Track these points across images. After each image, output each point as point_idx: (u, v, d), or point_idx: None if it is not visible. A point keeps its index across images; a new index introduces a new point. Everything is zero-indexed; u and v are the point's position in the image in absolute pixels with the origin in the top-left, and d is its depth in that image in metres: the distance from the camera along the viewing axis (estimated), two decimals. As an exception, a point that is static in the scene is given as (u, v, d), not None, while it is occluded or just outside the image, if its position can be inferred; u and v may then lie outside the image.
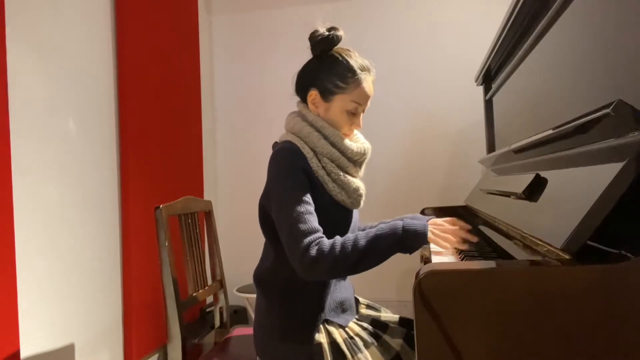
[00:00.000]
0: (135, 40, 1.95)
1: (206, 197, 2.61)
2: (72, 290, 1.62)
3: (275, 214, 1.04)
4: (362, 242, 0.96)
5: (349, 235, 0.99)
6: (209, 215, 1.60)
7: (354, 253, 0.95)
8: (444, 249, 1.05)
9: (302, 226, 0.97)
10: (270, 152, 1.12)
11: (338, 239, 0.98)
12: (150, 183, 2.02)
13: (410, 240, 0.97)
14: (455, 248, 1.14)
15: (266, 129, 2.70)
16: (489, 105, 2.04)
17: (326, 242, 0.97)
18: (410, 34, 2.52)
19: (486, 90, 2.04)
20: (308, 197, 1.02)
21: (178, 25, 2.35)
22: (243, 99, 2.77)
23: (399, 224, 0.99)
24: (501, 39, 1.49)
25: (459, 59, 2.42)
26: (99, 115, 1.79)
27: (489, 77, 1.99)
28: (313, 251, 0.95)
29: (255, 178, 2.83)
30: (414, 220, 1.01)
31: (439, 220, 1.06)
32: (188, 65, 2.46)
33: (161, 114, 2.14)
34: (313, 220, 0.99)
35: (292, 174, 1.03)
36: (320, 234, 0.99)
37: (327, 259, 0.94)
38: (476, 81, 2.10)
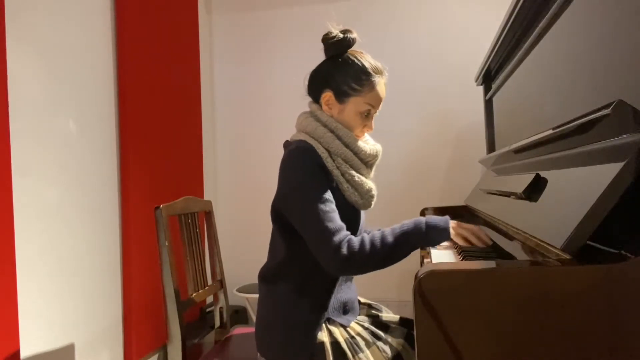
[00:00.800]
0: (135, 40, 1.95)
1: (206, 197, 2.61)
2: (72, 290, 1.62)
3: (298, 214, 1.04)
4: (389, 238, 1.00)
5: (375, 233, 1.02)
6: (209, 215, 1.60)
7: (383, 250, 0.99)
8: (464, 243, 1.08)
9: (330, 225, 0.99)
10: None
11: (365, 236, 1.01)
12: (150, 183, 2.02)
13: (433, 235, 1.01)
14: (455, 247, 1.15)
15: (266, 128, 2.70)
16: (489, 105, 2.04)
17: (355, 240, 0.99)
18: (410, 34, 2.52)
19: (486, 90, 2.04)
20: (330, 195, 1.04)
21: (178, 25, 2.35)
22: (243, 99, 2.77)
23: (422, 220, 1.03)
24: (501, 39, 1.49)
25: (459, 59, 2.42)
26: (99, 115, 1.79)
27: (489, 77, 1.99)
28: (344, 249, 0.97)
29: (255, 178, 2.84)
30: (436, 217, 1.05)
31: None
32: (188, 65, 2.46)
33: (161, 114, 2.14)
34: (338, 218, 1.02)
35: (313, 172, 1.04)
36: (346, 231, 1.01)
37: (359, 256, 0.97)
38: (476, 81, 2.09)
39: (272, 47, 2.69)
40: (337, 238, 0.98)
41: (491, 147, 2.03)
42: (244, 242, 2.66)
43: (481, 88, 2.09)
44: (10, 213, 1.34)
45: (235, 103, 2.78)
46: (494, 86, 1.91)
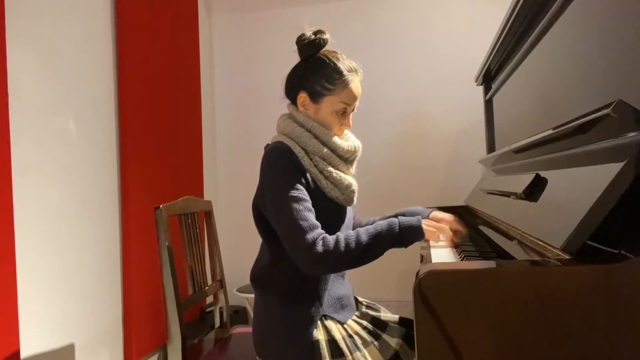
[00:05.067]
0: (135, 40, 1.95)
1: (206, 197, 2.61)
2: (72, 290, 1.62)
3: (273, 213, 1.05)
4: (363, 238, 1.01)
5: (350, 232, 1.03)
6: (209, 215, 1.60)
7: (357, 249, 0.99)
8: (438, 241, 1.11)
9: (303, 223, 1.00)
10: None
11: (340, 235, 1.01)
12: (150, 183, 2.02)
13: (407, 235, 1.03)
14: (456, 246, 1.15)
15: (266, 129, 2.69)
16: (489, 105, 2.04)
17: (330, 239, 1.00)
18: (410, 34, 2.52)
19: (486, 90, 2.04)
20: (304, 194, 1.04)
21: (178, 25, 2.35)
22: (243, 99, 2.77)
23: (395, 221, 1.04)
24: (501, 39, 1.49)
25: (459, 59, 2.42)
26: (99, 115, 1.79)
27: (489, 77, 1.99)
28: (319, 247, 0.98)
29: (255, 178, 2.81)
30: (408, 217, 1.06)
31: (436, 216, 1.20)
32: (188, 65, 2.46)
33: (161, 114, 2.14)
34: (312, 217, 1.02)
35: (287, 171, 1.05)
36: (320, 229, 1.02)
37: (332, 255, 0.98)
38: (476, 81, 2.09)
39: (272, 47, 2.69)
40: (309, 236, 0.99)
41: (491, 147, 2.03)
42: (244, 242, 2.65)
43: (481, 88, 2.09)
44: (10, 213, 1.34)
45: (235, 103, 2.78)
46: (494, 86, 1.91)
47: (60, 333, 1.57)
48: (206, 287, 1.48)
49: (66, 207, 1.61)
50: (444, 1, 2.48)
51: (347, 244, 1.00)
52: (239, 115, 2.77)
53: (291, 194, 1.02)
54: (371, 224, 1.20)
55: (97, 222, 1.76)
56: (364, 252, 1.00)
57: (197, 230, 1.50)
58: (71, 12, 1.66)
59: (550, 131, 0.91)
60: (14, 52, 1.39)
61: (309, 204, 1.04)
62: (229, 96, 2.79)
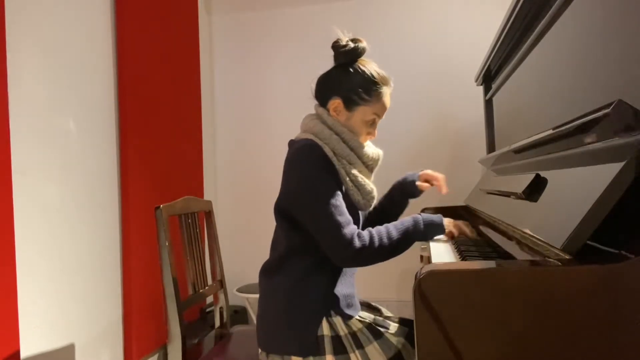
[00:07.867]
0: (135, 40, 1.95)
1: (206, 197, 2.61)
2: (72, 290, 1.62)
3: (306, 208, 1.07)
4: (394, 233, 1.08)
5: (380, 228, 1.08)
6: (209, 215, 1.60)
7: (389, 245, 1.06)
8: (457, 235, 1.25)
9: (341, 218, 1.04)
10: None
11: (372, 231, 1.07)
12: (150, 183, 2.02)
13: (430, 231, 1.13)
14: (456, 247, 1.16)
15: (266, 128, 2.70)
16: (489, 105, 2.03)
17: (364, 234, 1.05)
18: (410, 34, 2.52)
19: (486, 90, 2.04)
20: (338, 190, 1.08)
21: (178, 25, 2.35)
22: (243, 99, 2.77)
23: (419, 218, 1.13)
24: (501, 39, 1.49)
25: (459, 59, 2.42)
26: (99, 115, 1.79)
27: (489, 77, 1.99)
28: (356, 242, 1.03)
29: (255, 178, 2.84)
30: (430, 214, 1.17)
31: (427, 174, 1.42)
32: (188, 65, 2.46)
33: (161, 114, 2.14)
34: (347, 212, 1.07)
35: (321, 167, 1.08)
36: (354, 224, 1.07)
37: (368, 250, 1.03)
38: (476, 81, 2.09)
39: (272, 47, 2.69)
40: (348, 231, 1.03)
41: (491, 147, 2.03)
42: (244, 242, 2.66)
43: (481, 88, 2.09)
44: (10, 212, 1.34)
45: (235, 103, 2.78)
46: (494, 86, 1.91)
47: (60, 333, 1.57)
48: (206, 287, 1.48)
49: (66, 206, 1.61)
50: (444, 1, 2.47)
51: (381, 239, 1.05)
52: (239, 115, 2.77)
53: (327, 189, 1.06)
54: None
55: (97, 222, 1.76)
56: (394, 247, 1.07)
57: (197, 230, 1.50)
58: (71, 12, 1.65)
59: (550, 131, 0.91)
60: (14, 52, 1.39)
61: (342, 199, 1.08)
62: (229, 96, 2.79)
